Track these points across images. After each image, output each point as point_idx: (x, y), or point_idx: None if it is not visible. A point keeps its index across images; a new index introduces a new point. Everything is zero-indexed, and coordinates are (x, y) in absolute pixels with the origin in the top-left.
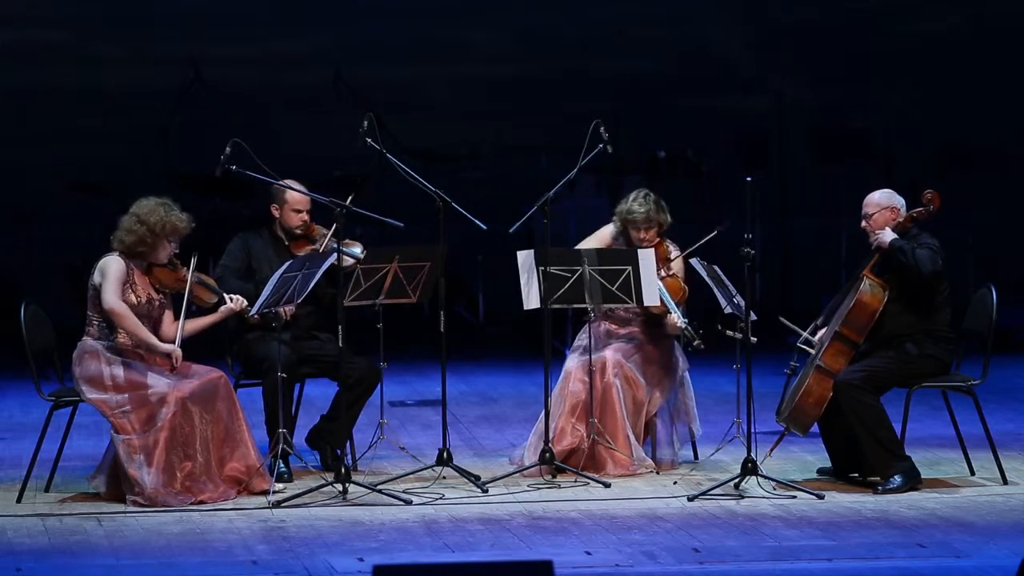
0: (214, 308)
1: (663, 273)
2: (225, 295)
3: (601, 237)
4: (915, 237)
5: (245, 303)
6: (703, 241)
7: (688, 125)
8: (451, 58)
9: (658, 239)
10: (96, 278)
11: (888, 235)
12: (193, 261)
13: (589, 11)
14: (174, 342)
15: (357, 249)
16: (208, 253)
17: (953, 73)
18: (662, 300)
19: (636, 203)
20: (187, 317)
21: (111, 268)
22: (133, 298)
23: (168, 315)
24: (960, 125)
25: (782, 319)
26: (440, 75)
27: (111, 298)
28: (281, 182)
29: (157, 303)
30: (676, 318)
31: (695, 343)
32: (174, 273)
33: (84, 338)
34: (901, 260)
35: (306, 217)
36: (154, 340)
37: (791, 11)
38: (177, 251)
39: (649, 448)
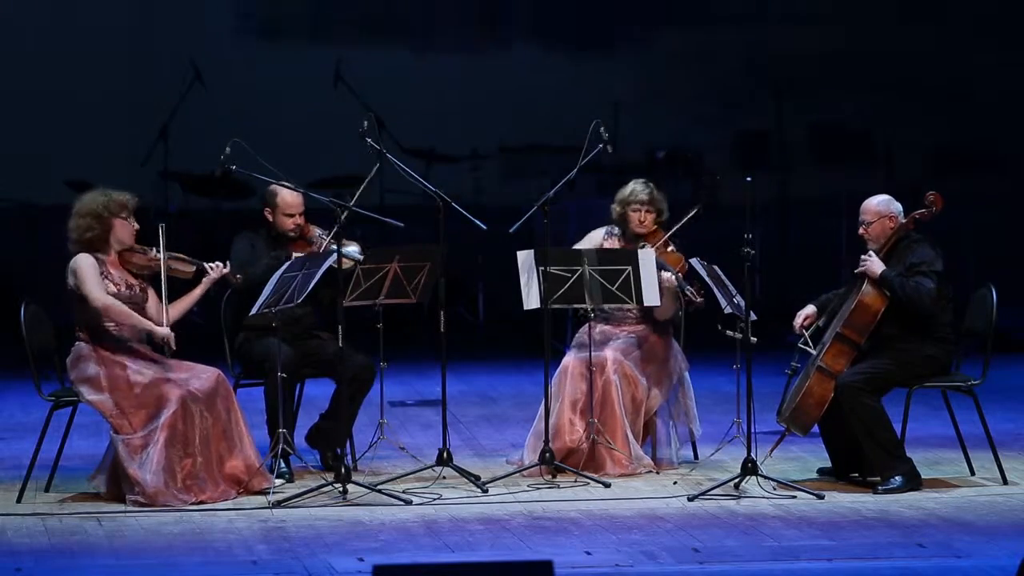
0: (196, 279)
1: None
2: (204, 264)
3: (592, 240)
4: (916, 242)
5: (225, 268)
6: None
7: (688, 125)
8: (452, 57)
9: (655, 227)
10: (70, 280)
11: (876, 265)
12: (161, 234)
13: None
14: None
15: (354, 249)
16: (208, 253)
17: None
18: (656, 263)
19: (638, 186)
20: (170, 297)
21: (82, 265)
22: (112, 287)
23: (152, 297)
24: (960, 125)
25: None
26: (442, 74)
27: (96, 294)
28: (279, 182)
29: (138, 288)
30: (668, 274)
31: (697, 301)
32: (145, 255)
33: (77, 343)
34: (888, 295)
35: (299, 220)
36: (148, 324)
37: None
38: (137, 228)
39: (649, 448)
